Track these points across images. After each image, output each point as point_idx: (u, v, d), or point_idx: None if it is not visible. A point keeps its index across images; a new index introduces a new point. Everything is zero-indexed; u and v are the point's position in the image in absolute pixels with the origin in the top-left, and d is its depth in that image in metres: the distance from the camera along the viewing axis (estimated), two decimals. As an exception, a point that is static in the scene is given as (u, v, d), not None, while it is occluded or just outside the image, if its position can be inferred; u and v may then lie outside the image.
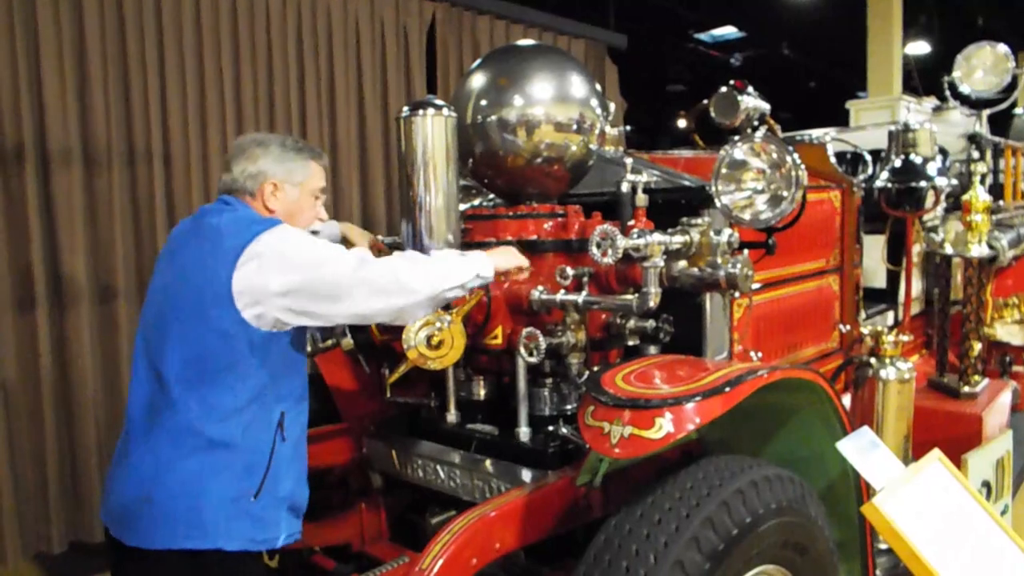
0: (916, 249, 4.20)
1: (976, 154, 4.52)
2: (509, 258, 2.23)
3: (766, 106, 3.00)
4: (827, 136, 4.11)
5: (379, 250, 2.79)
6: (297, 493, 2.00)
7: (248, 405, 1.88)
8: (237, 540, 1.85)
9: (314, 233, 2.14)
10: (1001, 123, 5.56)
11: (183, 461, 1.84)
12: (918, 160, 3.77)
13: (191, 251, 1.94)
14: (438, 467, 2.48)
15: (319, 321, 1.92)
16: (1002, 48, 4.80)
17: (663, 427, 1.75)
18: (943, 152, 4.28)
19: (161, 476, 1.84)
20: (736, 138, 2.48)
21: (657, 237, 2.18)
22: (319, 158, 2.16)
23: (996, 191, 5.05)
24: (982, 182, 3.76)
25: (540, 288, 2.33)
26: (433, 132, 2.24)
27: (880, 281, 4.26)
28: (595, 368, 2.27)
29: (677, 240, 2.26)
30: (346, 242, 2.85)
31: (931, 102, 5.55)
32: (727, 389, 1.84)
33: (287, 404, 1.97)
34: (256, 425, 1.89)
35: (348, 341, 2.50)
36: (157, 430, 1.88)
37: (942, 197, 3.84)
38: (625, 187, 2.39)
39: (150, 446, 1.87)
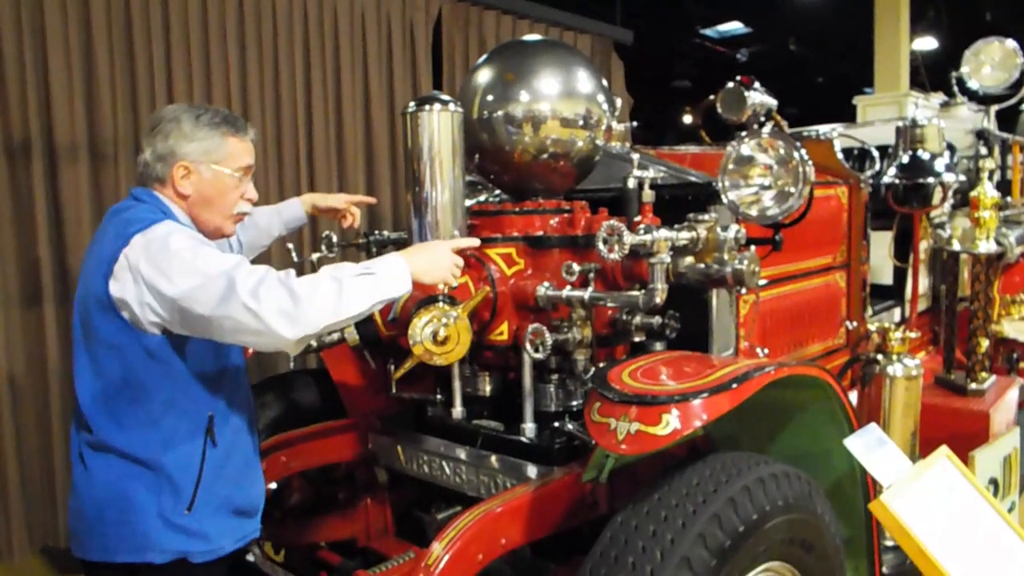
0: (923, 245, 4.18)
1: (984, 150, 4.49)
2: (435, 267, 1.93)
3: (773, 102, 2.98)
4: (834, 132, 4.09)
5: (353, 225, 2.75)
6: (239, 496, 1.91)
7: (163, 417, 1.79)
8: (169, 554, 1.79)
9: (243, 218, 2.04)
10: (1009, 119, 5.52)
11: (108, 477, 1.80)
12: (926, 156, 3.74)
13: (88, 259, 1.86)
14: (444, 463, 2.48)
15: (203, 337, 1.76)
16: (1011, 43, 4.77)
17: (670, 423, 1.74)
18: (951, 148, 4.26)
19: (90, 492, 1.82)
20: (743, 134, 2.47)
21: (663, 233, 2.17)
22: (241, 131, 1.94)
23: (1004, 187, 5.02)
24: (990, 178, 3.74)
25: (546, 284, 2.32)
26: (439, 128, 2.23)
27: (887, 277, 4.24)
28: (601, 364, 2.26)
29: (684, 236, 2.25)
30: (313, 218, 2.84)
31: (939, 98, 5.53)
32: (734, 386, 1.83)
33: (215, 406, 1.86)
34: (178, 436, 1.80)
35: (354, 337, 2.49)
36: (84, 446, 1.85)
37: (950, 193, 3.82)
38: (632, 183, 2.39)
39: (83, 461, 1.85)
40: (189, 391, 1.82)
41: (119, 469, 1.79)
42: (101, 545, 1.81)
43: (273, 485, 2.62)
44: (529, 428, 2.35)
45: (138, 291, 1.70)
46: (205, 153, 1.86)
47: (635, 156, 2.43)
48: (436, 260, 1.94)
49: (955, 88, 5.04)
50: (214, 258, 1.70)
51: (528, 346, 2.23)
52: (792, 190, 2.35)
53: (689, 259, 2.33)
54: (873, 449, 1.86)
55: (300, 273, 1.74)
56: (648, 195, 2.35)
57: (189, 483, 1.80)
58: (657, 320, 2.37)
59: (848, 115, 5.94)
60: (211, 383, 1.86)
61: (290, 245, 2.98)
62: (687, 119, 14.87)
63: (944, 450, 1.98)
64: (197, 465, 1.82)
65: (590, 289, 2.25)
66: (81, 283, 1.87)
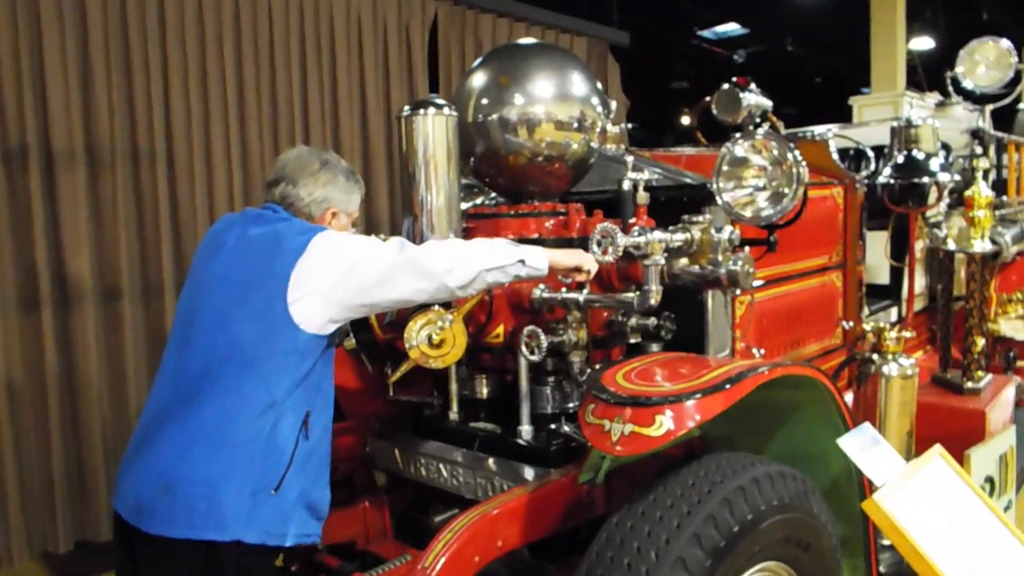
0: (919, 245, 4.19)
1: (979, 150, 4.51)
2: (570, 256, 2.15)
3: (768, 103, 2.99)
4: (829, 133, 4.10)
5: None
6: (315, 493, 2.00)
7: (282, 401, 1.88)
8: (256, 532, 1.84)
9: None
10: (1004, 118, 5.54)
11: (207, 453, 1.83)
12: (921, 156, 3.75)
13: (246, 247, 1.96)
14: (441, 465, 2.48)
15: (366, 310, 1.96)
16: (1005, 43, 4.78)
17: (664, 424, 1.75)
18: (946, 148, 4.27)
19: (183, 467, 1.83)
20: (737, 135, 2.48)
21: (658, 235, 2.18)
22: (361, 188, 2.24)
23: (999, 187, 5.03)
24: (985, 178, 3.75)
25: (541, 286, 2.33)
26: (434, 131, 2.24)
27: (883, 277, 4.25)
28: (597, 366, 2.27)
29: (678, 238, 2.26)
30: None
31: (934, 97, 5.54)
32: (728, 386, 1.84)
33: (315, 404, 1.97)
34: (283, 422, 1.89)
35: (350, 341, 2.50)
36: (183, 419, 1.88)
37: (945, 193, 3.83)
38: (626, 185, 2.40)
39: (173, 435, 1.87)
40: (305, 387, 1.93)
41: (227, 448, 1.83)
42: (188, 521, 1.81)
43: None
44: (526, 430, 2.36)
45: (319, 276, 1.87)
46: (347, 204, 2.15)
47: (630, 158, 2.44)
48: (569, 252, 2.18)
49: (950, 88, 5.05)
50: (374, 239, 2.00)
51: (524, 348, 2.24)
52: (786, 191, 2.36)
53: (684, 260, 2.34)
54: (867, 448, 1.87)
55: None
56: (643, 197, 2.36)
57: (280, 467, 1.88)
58: (653, 322, 2.37)
59: (846, 115, 5.94)
60: (318, 386, 1.99)
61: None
62: (685, 120, 14.88)
63: (937, 449, 1.99)
64: (290, 453, 1.90)
65: (585, 291, 2.26)
66: (229, 268, 1.96)
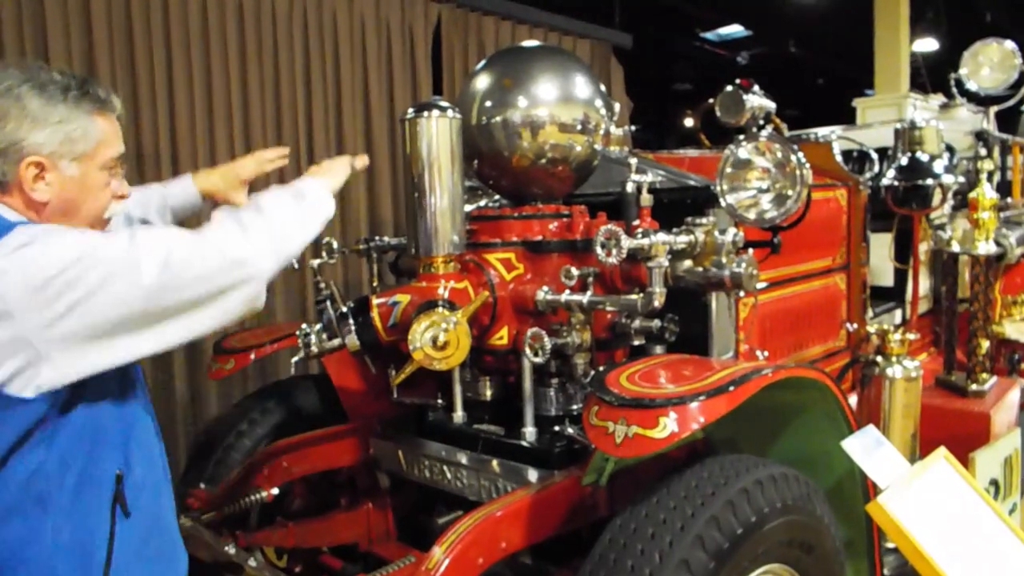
0: (923, 247, 4.18)
1: (983, 151, 4.49)
2: (336, 173, 1.88)
3: (771, 105, 2.99)
4: (833, 135, 4.10)
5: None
6: None
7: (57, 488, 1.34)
8: None
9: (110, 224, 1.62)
10: (1009, 120, 5.53)
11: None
12: (924, 158, 3.75)
13: None
14: (445, 467, 2.48)
15: (120, 360, 1.34)
16: (1009, 44, 4.77)
17: (667, 426, 1.75)
18: (950, 149, 4.27)
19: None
20: (741, 137, 2.48)
21: (661, 237, 2.18)
22: (109, 107, 1.48)
23: (1004, 188, 5.02)
24: (989, 179, 3.74)
25: (545, 288, 2.33)
26: (438, 134, 2.25)
27: (887, 279, 4.25)
28: (601, 368, 2.27)
29: (682, 240, 2.26)
30: (208, 202, 2.28)
31: (938, 99, 5.53)
32: (731, 388, 1.84)
33: (121, 459, 1.42)
34: (78, 505, 1.36)
35: (354, 342, 2.50)
36: None
37: (949, 195, 3.83)
38: (630, 187, 2.40)
39: None
40: (81, 450, 1.38)
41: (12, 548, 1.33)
42: None
43: (275, 491, 2.63)
44: (529, 432, 2.36)
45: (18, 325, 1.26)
46: (67, 142, 1.39)
47: (633, 160, 2.44)
48: (331, 169, 1.90)
49: (954, 90, 5.04)
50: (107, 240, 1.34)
51: (528, 350, 2.24)
52: (790, 193, 2.36)
53: (687, 263, 2.34)
54: (871, 450, 1.87)
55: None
56: (646, 199, 2.36)
57: (95, 570, 1.37)
58: (656, 324, 2.37)
59: (849, 116, 5.93)
60: (104, 424, 1.42)
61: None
62: (688, 122, 14.89)
63: (942, 451, 1.98)
64: (104, 547, 1.38)
65: (589, 293, 2.26)
66: None
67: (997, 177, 4.86)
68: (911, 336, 3.01)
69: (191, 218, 2.25)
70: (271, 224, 1.47)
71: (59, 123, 1.37)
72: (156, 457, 1.55)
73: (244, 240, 1.41)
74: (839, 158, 3.62)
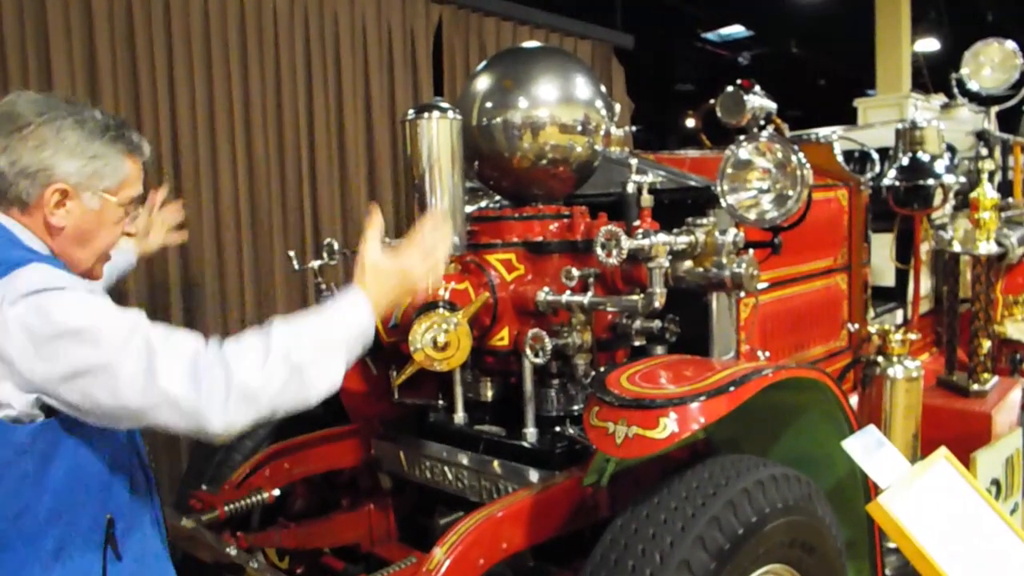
0: (924, 247, 4.18)
1: (984, 151, 4.49)
2: (394, 280, 1.66)
3: (772, 105, 2.99)
4: (834, 135, 4.10)
5: None
6: None
7: (44, 528, 1.35)
8: None
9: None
10: (1010, 120, 5.52)
11: None
12: (925, 158, 3.75)
13: None
14: (446, 468, 2.49)
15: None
16: (1010, 44, 4.77)
17: (667, 427, 1.75)
18: (951, 149, 4.27)
19: None
20: (741, 138, 2.48)
21: (662, 237, 2.19)
22: (138, 151, 1.54)
23: (1005, 188, 5.02)
24: (990, 179, 3.74)
25: (546, 289, 2.34)
26: (438, 135, 2.25)
27: (889, 279, 4.24)
28: (602, 368, 2.28)
29: (682, 240, 2.27)
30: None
31: (939, 99, 5.53)
32: (732, 389, 1.84)
33: (115, 508, 1.43)
34: (69, 549, 1.36)
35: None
36: None
37: (950, 195, 3.82)
38: (631, 188, 2.40)
39: None
40: (78, 497, 1.39)
41: None
42: None
43: (277, 492, 2.63)
44: (531, 433, 2.36)
45: (22, 365, 1.29)
46: (95, 176, 1.44)
47: (634, 161, 2.44)
48: (399, 267, 1.69)
49: (955, 90, 5.04)
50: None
51: (528, 351, 2.24)
52: (790, 193, 2.36)
53: (688, 263, 2.34)
54: (871, 451, 1.87)
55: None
56: (647, 200, 2.36)
57: None
58: (657, 324, 2.37)
59: (851, 117, 5.93)
60: (112, 486, 1.44)
61: (291, 253, 2.98)
62: (689, 123, 14.88)
63: (943, 451, 1.98)
64: None
65: (590, 294, 2.26)
66: None
67: (998, 177, 4.85)
68: (912, 336, 3.01)
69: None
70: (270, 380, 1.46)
71: (92, 158, 1.43)
72: (143, 495, 1.54)
73: (225, 401, 1.36)
74: (840, 158, 3.62)
